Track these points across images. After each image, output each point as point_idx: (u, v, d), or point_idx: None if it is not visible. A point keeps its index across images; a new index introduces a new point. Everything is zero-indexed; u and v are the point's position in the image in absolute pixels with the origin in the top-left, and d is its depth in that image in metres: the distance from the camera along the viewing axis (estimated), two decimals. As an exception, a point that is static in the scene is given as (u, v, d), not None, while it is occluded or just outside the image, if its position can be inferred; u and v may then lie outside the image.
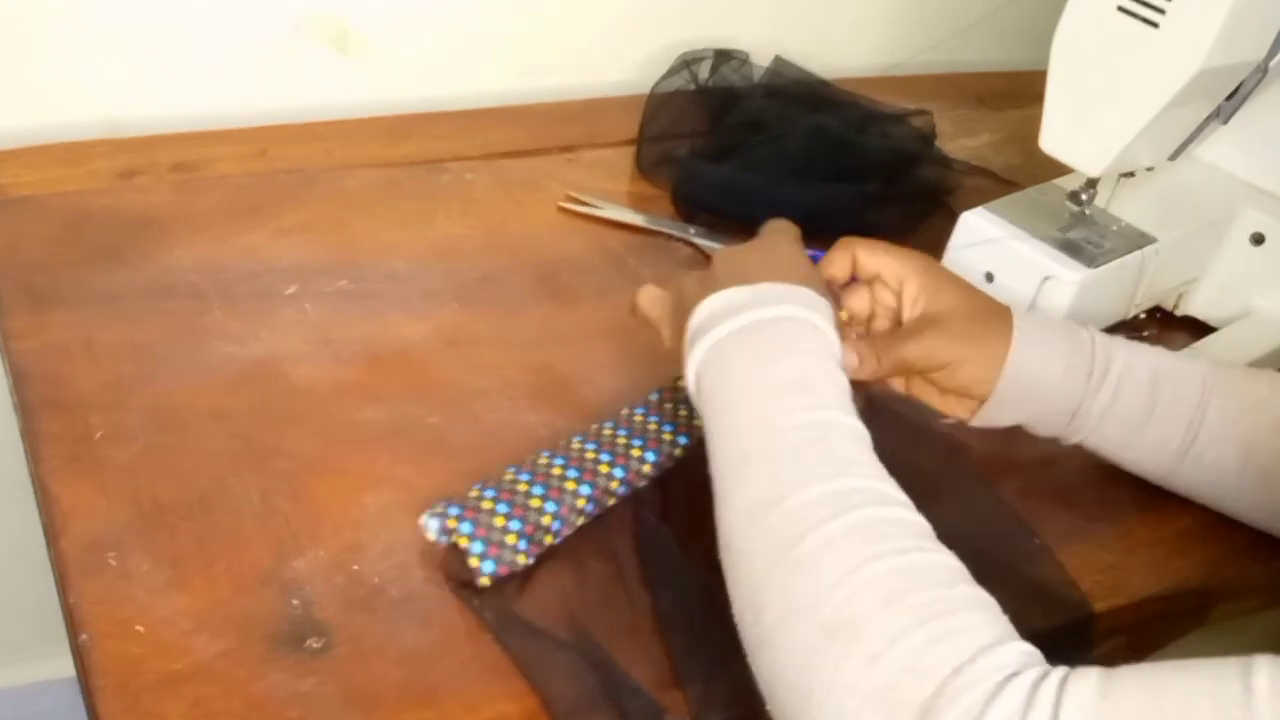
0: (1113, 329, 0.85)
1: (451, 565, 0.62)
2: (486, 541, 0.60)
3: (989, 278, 0.80)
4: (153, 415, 0.68)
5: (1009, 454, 0.74)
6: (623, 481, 0.65)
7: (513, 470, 0.64)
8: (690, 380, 0.59)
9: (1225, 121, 0.78)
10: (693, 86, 1.05)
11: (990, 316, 0.67)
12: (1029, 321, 0.67)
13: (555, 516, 0.62)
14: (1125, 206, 0.84)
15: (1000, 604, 0.59)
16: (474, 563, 0.60)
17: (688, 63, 1.05)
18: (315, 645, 0.57)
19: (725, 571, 0.53)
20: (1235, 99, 0.76)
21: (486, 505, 0.61)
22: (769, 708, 0.49)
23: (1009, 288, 0.80)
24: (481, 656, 0.58)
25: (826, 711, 0.45)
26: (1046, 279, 0.77)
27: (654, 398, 0.70)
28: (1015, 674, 0.44)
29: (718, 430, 0.56)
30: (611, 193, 0.96)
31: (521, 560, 0.61)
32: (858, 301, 0.68)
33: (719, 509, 0.54)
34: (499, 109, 1.05)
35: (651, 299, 0.66)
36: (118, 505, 0.63)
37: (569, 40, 1.09)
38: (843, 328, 0.63)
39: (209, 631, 0.57)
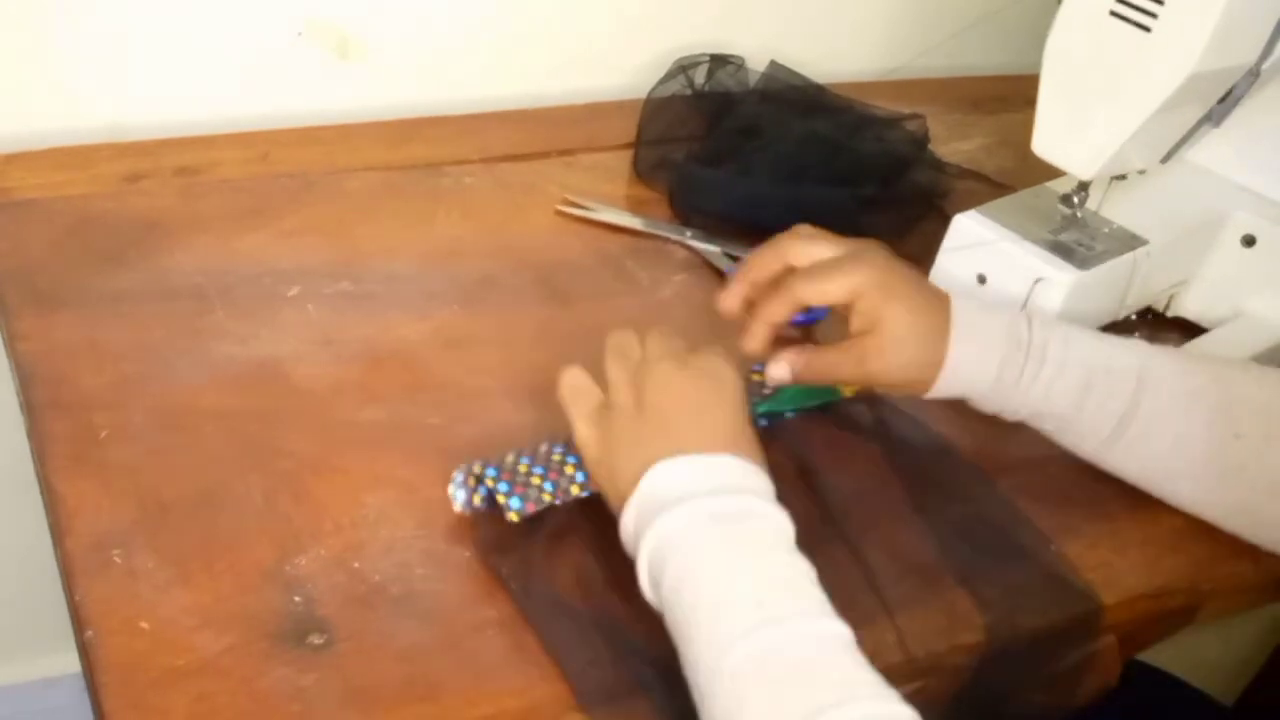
0: (1104, 330, 0.86)
1: (482, 535, 0.63)
2: (512, 483, 0.62)
3: (981, 280, 0.81)
4: (156, 415, 0.69)
5: (1001, 453, 0.75)
6: None
7: (546, 443, 0.66)
8: (642, 557, 0.58)
9: (1217, 124, 0.79)
10: (689, 91, 1.05)
11: (932, 318, 0.67)
12: (967, 324, 0.68)
13: (578, 467, 0.64)
14: (1117, 209, 0.84)
15: (1013, 593, 0.60)
16: (501, 499, 0.62)
17: (684, 68, 1.06)
18: (317, 642, 0.58)
19: None
20: (1227, 102, 0.77)
21: (509, 459, 0.64)
22: None
23: (1001, 289, 0.80)
24: (482, 653, 0.59)
25: None
26: (1038, 281, 0.78)
27: None
28: None
29: (694, 633, 0.54)
30: (609, 196, 0.97)
31: (548, 498, 0.63)
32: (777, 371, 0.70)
33: (708, 718, 0.53)
34: (498, 113, 1.06)
35: (575, 390, 0.65)
36: (122, 504, 0.63)
37: (567, 45, 1.10)
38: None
39: (212, 628, 0.58)
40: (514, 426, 0.72)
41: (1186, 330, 0.89)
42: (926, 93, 1.18)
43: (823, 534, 0.68)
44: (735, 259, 0.90)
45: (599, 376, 0.65)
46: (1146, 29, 0.70)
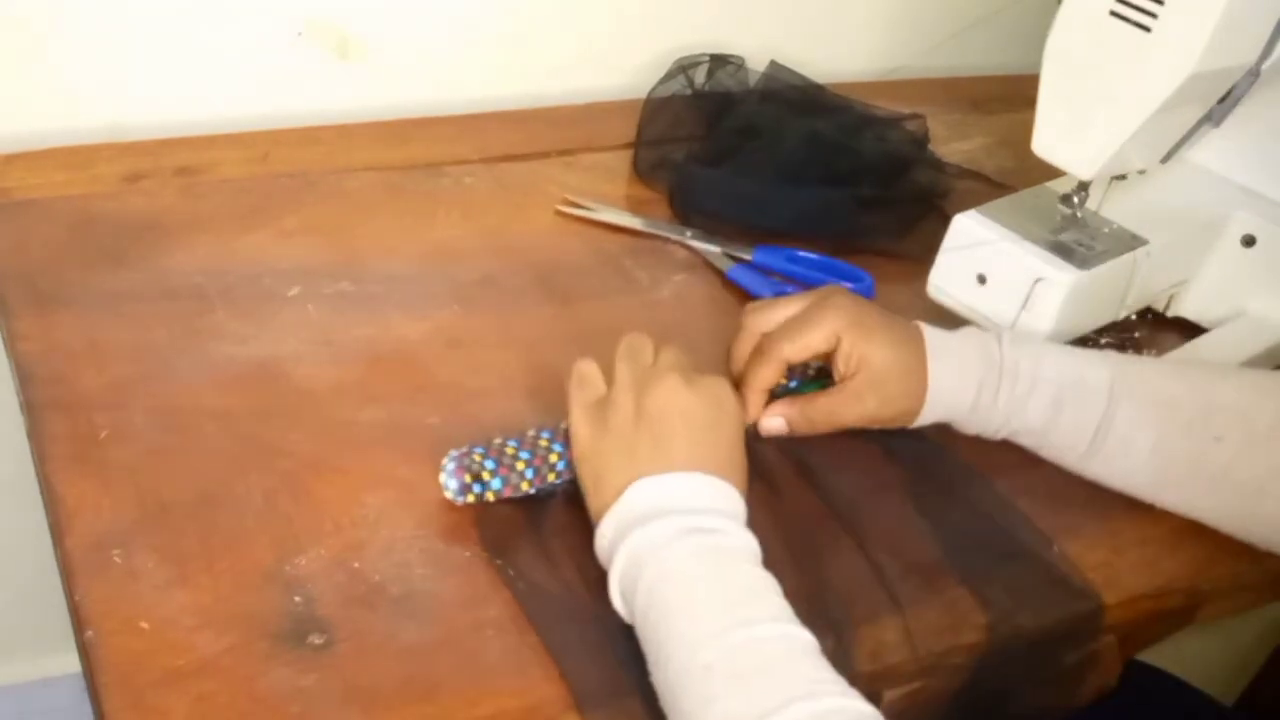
0: (1103, 330, 0.86)
1: (486, 533, 0.64)
2: (499, 461, 0.64)
3: (981, 280, 0.81)
4: (156, 415, 0.69)
5: (1001, 453, 0.75)
6: None
7: (535, 429, 0.67)
8: (615, 569, 0.59)
9: (1217, 124, 0.79)
10: (689, 91, 1.05)
11: (910, 349, 0.69)
12: (941, 350, 0.70)
13: (562, 455, 0.66)
14: (1117, 209, 0.84)
15: (1014, 593, 0.60)
16: (486, 475, 0.64)
17: (684, 68, 1.06)
18: (317, 642, 0.58)
19: None
20: (1227, 102, 0.77)
21: (497, 441, 0.66)
22: None
23: (1001, 289, 0.80)
24: (482, 653, 0.59)
25: None
26: (1038, 281, 0.78)
27: None
28: None
29: (665, 635, 0.55)
30: (609, 196, 0.97)
31: (525, 487, 0.65)
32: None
33: (679, 716, 0.54)
34: (498, 113, 1.06)
35: (581, 379, 0.66)
36: (122, 504, 0.63)
37: (567, 45, 1.10)
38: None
39: (212, 628, 0.58)
40: (514, 426, 0.72)
41: (1186, 330, 0.89)
42: (926, 93, 1.19)
43: (828, 531, 0.68)
44: (735, 259, 0.90)
45: (609, 375, 0.65)
46: (1146, 29, 0.70)
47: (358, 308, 0.81)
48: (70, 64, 0.94)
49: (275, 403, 0.72)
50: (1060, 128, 0.77)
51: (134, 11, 0.94)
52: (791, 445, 0.73)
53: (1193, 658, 1.15)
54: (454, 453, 0.65)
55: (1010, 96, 1.19)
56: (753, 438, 0.71)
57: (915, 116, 1.05)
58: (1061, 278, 0.78)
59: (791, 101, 1.05)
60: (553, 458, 0.66)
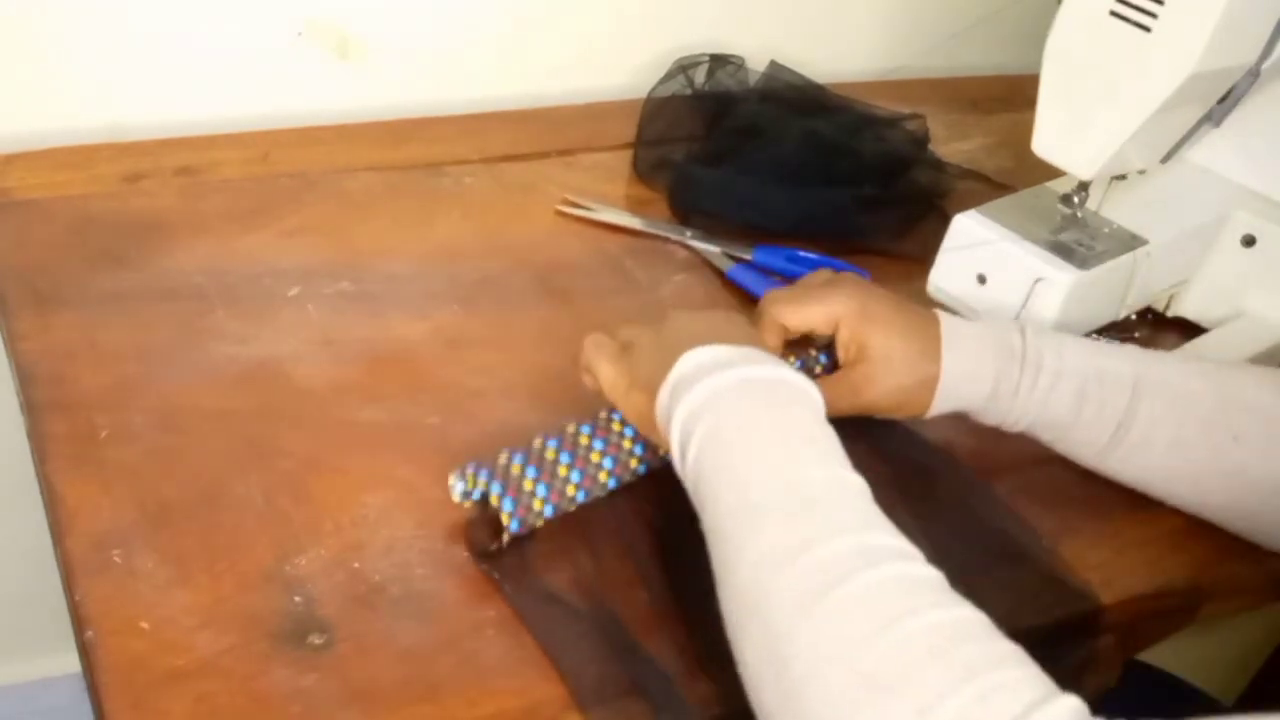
0: (1104, 330, 0.86)
1: (474, 535, 0.63)
2: (516, 501, 0.62)
3: (981, 280, 0.81)
4: (157, 415, 0.69)
5: (1000, 453, 0.75)
6: (642, 459, 0.67)
7: (540, 437, 0.66)
8: (675, 427, 0.58)
9: (1217, 124, 0.79)
10: (689, 91, 1.05)
11: (920, 339, 0.69)
12: (957, 340, 0.69)
13: (579, 487, 0.64)
14: (1117, 209, 0.84)
15: (1011, 592, 0.60)
16: (505, 519, 0.62)
17: (684, 67, 1.06)
18: (317, 642, 0.58)
19: (734, 626, 0.52)
20: (1227, 102, 0.77)
21: (515, 470, 0.63)
22: None
23: (1001, 289, 0.80)
24: (482, 653, 0.59)
25: None
26: (1038, 281, 0.78)
27: None
28: None
29: (718, 480, 0.55)
30: (609, 196, 0.97)
31: (540, 523, 0.63)
32: None
33: (724, 560, 0.53)
34: (498, 113, 1.06)
35: (597, 343, 0.67)
36: (122, 504, 0.63)
37: (567, 45, 1.10)
38: None
39: (212, 628, 0.58)
40: (514, 426, 0.72)
41: (1186, 330, 0.89)
42: (926, 93, 1.19)
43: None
44: (735, 259, 0.90)
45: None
46: (1146, 29, 0.70)
47: (358, 308, 0.81)
48: (70, 64, 0.94)
49: (275, 403, 0.72)
50: (1060, 128, 0.77)
51: (134, 12, 0.94)
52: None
53: (1193, 658, 1.15)
54: (459, 484, 0.64)
55: (1010, 96, 1.19)
56: None
57: (915, 116, 1.05)
58: (1061, 278, 0.78)
59: (791, 101, 1.05)
60: (561, 470, 0.65)
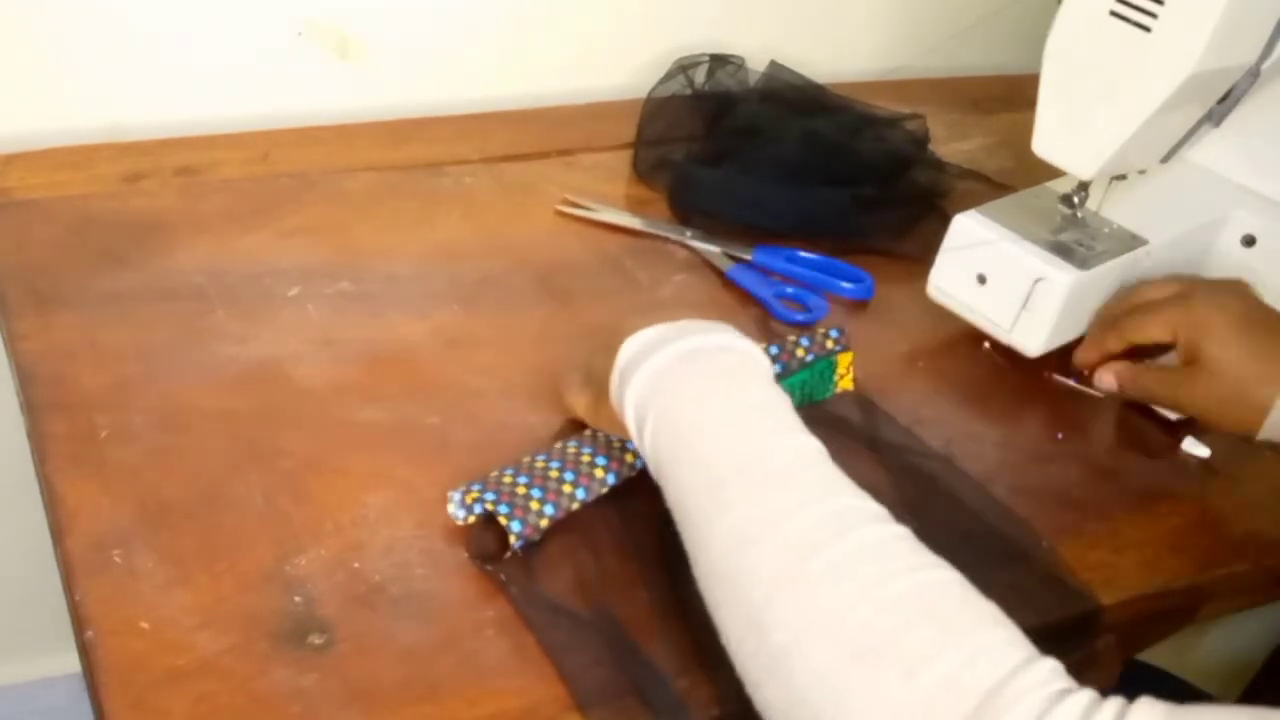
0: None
1: (476, 541, 0.63)
2: (512, 505, 0.62)
3: (981, 280, 0.81)
4: (157, 415, 0.69)
5: (1001, 453, 0.75)
6: (638, 454, 0.66)
7: (528, 455, 0.66)
8: (629, 415, 0.59)
9: (1217, 124, 0.79)
10: (689, 91, 1.05)
11: (1267, 364, 0.70)
12: None
13: (575, 484, 0.65)
14: (1117, 209, 0.84)
15: (1010, 592, 0.59)
16: (503, 520, 0.62)
17: (684, 67, 1.06)
18: (317, 642, 0.58)
19: (712, 603, 0.53)
20: (1227, 102, 0.77)
21: (508, 479, 0.64)
22: None
23: (1001, 289, 0.80)
24: (482, 653, 0.59)
25: None
26: (1038, 281, 0.78)
27: None
28: (1065, 691, 0.45)
29: (677, 460, 0.56)
30: (609, 196, 0.97)
31: (544, 524, 0.63)
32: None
33: (695, 539, 0.54)
34: (498, 113, 1.06)
35: (565, 381, 0.69)
36: (122, 504, 0.63)
37: (567, 45, 1.10)
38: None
39: (212, 628, 0.58)
40: (514, 426, 0.72)
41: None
42: (926, 93, 1.19)
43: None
44: (735, 259, 0.90)
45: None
46: (1146, 29, 0.70)
47: (358, 308, 0.81)
48: (70, 64, 0.94)
49: (275, 403, 0.72)
50: (1060, 128, 0.77)
51: (134, 11, 0.94)
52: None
53: (1193, 658, 1.15)
54: (457, 495, 0.64)
55: (1010, 96, 1.19)
56: None
57: (915, 116, 1.05)
58: (1061, 278, 0.78)
59: (791, 101, 1.05)
60: (566, 488, 0.65)
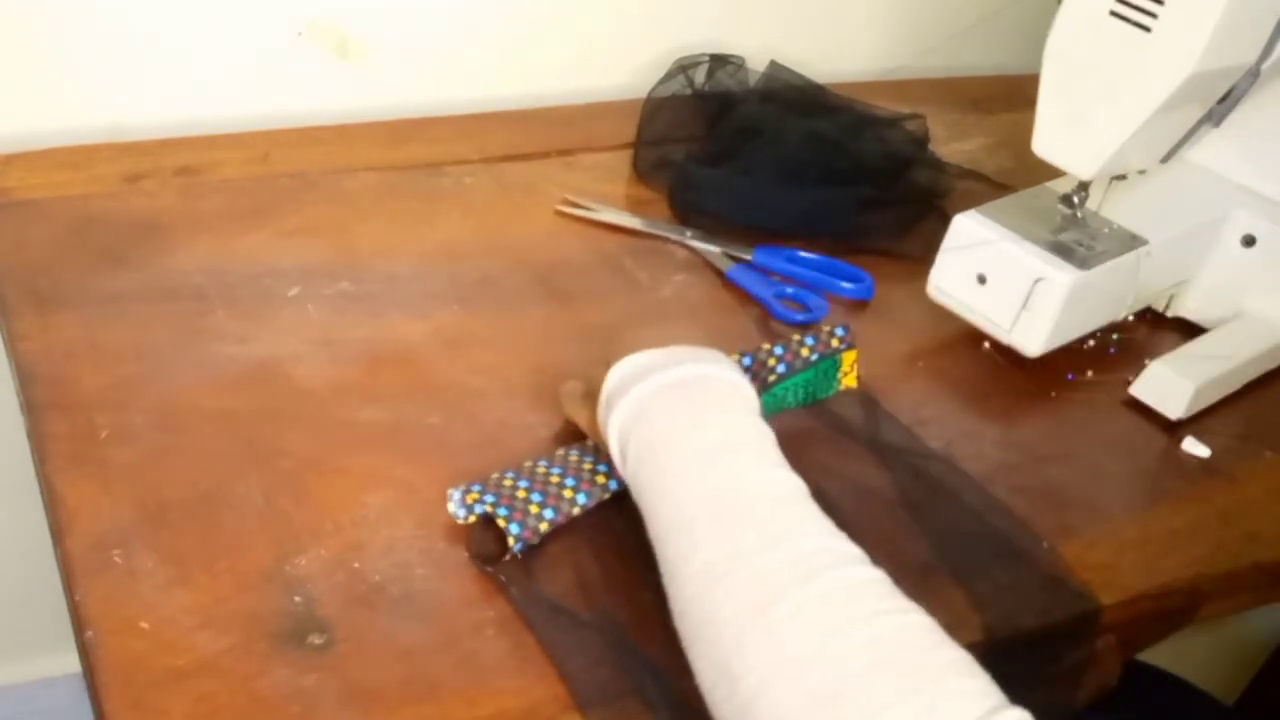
0: (1103, 331, 0.86)
1: (476, 541, 0.63)
2: (511, 508, 0.62)
3: (981, 280, 0.81)
4: (157, 415, 0.69)
5: (999, 453, 0.75)
6: None
7: (529, 460, 0.66)
8: (613, 442, 0.59)
9: (1217, 124, 0.79)
10: (689, 91, 1.05)
11: None
12: None
13: (576, 489, 0.65)
14: (1117, 209, 0.84)
15: (1010, 592, 0.59)
16: (501, 523, 0.62)
17: (684, 67, 1.06)
18: (317, 642, 0.58)
19: (686, 643, 0.53)
20: (1227, 102, 0.77)
21: (508, 483, 0.64)
22: None
23: (1001, 290, 0.80)
24: (482, 653, 0.59)
25: None
26: (1038, 281, 0.78)
27: None
28: None
29: (654, 494, 0.56)
30: (609, 196, 0.97)
31: (544, 528, 0.63)
32: None
33: (670, 577, 0.54)
34: (498, 113, 1.06)
35: (568, 391, 0.68)
36: (122, 504, 0.63)
37: (567, 45, 1.10)
38: None
39: (212, 628, 0.58)
40: (514, 426, 0.72)
41: (1186, 330, 0.89)
42: (926, 92, 1.19)
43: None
44: (735, 259, 0.90)
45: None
46: (1146, 29, 0.70)
47: (358, 308, 0.81)
48: (70, 64, 0.94)
49: (275, 403, 0.72)
50: (1060, 128, 0.77)
51: (134, 12, 0.94)
52: (785, 447, 0.73)
53: (1193, 658, 1.15)
54: (457, 494, 0.64)
55: (1010, 96, 1.19)
56: None
57: (915, 116, 1.05)
58: (1061, 278, 0.78)
59: (791, 101, 1.05)
60: (567, 493, 0.65)
